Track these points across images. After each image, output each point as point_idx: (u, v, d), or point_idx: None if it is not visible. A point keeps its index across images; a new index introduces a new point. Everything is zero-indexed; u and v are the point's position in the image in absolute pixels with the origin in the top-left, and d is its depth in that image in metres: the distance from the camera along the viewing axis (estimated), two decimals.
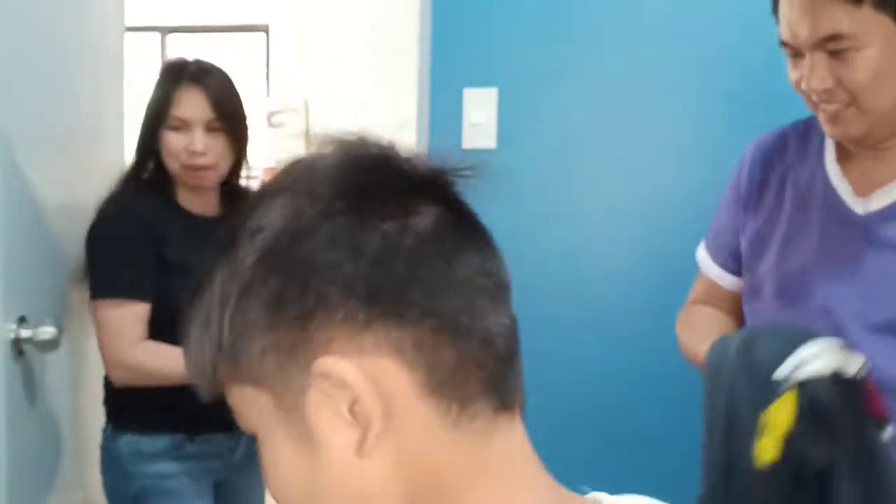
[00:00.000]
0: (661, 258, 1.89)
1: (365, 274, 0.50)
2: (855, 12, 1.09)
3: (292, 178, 0.55)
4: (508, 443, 0.55)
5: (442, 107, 1.92)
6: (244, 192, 1.87)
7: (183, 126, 1.69)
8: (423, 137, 1.97)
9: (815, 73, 1.14)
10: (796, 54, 1.18)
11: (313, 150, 0.56)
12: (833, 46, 1.12)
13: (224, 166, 1.73)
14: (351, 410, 0.51)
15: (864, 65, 1.11)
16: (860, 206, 1.23)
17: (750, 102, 1.87)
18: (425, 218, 0.52)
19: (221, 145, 1.70)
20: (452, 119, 1.92)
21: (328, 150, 0.55)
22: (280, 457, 0.54)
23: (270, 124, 4.86)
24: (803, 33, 1.13)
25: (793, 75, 1.20)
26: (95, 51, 2.04)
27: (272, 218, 0.52)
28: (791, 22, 1.15)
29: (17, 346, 1.57)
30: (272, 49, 4.94)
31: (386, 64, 4.21)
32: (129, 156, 2.24)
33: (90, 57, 2.01)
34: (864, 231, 1.22)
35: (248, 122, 1.79)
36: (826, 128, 1.21)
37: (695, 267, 1.45)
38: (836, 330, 1.18)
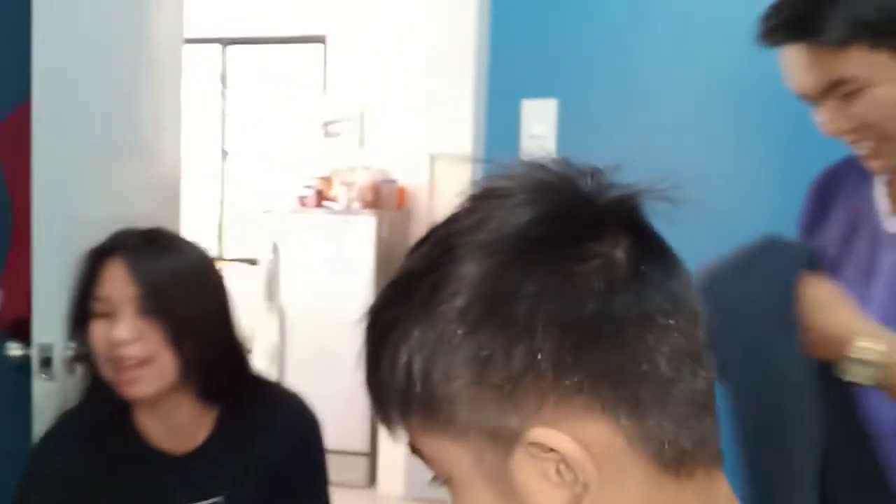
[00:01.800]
0: None
1: (574, 334, 0.51)
2: (852, 56, 1.08)
3: (476, 225, 0.54)
4: (723, 492, 0.57)
5: (499, 118, 1.88)
6: (253, 410, 1.37)
7: (107, 310, 1.27)
8: (479, 149, 1.94)
9: (831, 119, 1.14)
10: (811, 101, 1.16)
11: (488, 184, 0.56)
12: (842, 90, 1.10)
13: (168, 366, 1.26)
14: (559, 473, 0.52)
15: (878, 101, 1.10)
16: (892, 225, 1.22)
17: None
18: (618, 259, 0.53)
19: (159, 335, 1.25)
20: (510, 131, 1.87)
21: (504, 185, 0.55)
22: None
23: (327, 134, 4.88)
24: (808, 85, 1.13)
25: (817, 120, 1.18)
26: (155, 63, 2.05)
27: (468, 272, 0.52)
28: (794, 76, 1.15)
29: (76, 361, 1.58)
30: (329, 59, 4.96)
31: (443, 74, 4.20)
32: (185, 170, 2.25)
33: (149, 69, 2.01)
34: (889, 249, 1.20)
35: (220, 311, 1.33)
36: (865, 164, 1.19)
37: None
38: None
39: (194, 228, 4.83)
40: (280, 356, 4.32)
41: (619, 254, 0.53)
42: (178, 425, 1.33)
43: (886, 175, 1.21)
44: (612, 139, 1.85)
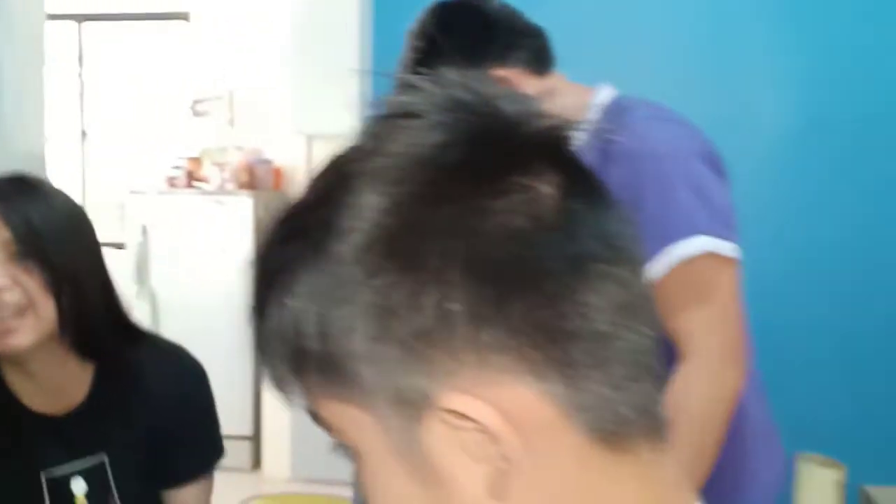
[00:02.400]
0: None
1: (494, 282, 0.42)
2: None
3: (377, 149, 0.46)
4: (668, 474, 0.49)
5: (383, 90, 1.87)
6: (132, 366, 1.30)
7: None
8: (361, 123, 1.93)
9: None
10: None
11: (392, 102, 0.47)
12: None
13: (46, 314, 1.19)
14: (479, 445, 0.44)
15: None
16: None
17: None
18: (546, 195, 0.44)
19: (36, 281, 1.18)
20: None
21: (412, 103, 0.46)
22: (389, 486, 0.47)
23: (195, 113, 4.74)
24: None
25: None
26: (16, 39, 1.94)
27: (367, 204, 0.44)
28: None
29: None
30: (194, 37, 4.80)
31: (317, 49, 4.13)
32: (48, 148, 2.14)
33: (11, 45, 1.91)
34: None
35: (95, 250, 1.28)
36: None
37: None
38: None
39: None
40: None
41: (547, 189, 0.45)
42: (53, 384, 1.26)
43: None
44: None
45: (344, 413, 0.46)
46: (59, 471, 1.27)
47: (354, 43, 1.92)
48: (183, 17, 4.80)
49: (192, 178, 4.47)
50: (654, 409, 0.47)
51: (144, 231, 4.29)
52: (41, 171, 2.07)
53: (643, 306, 0.47)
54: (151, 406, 1.30)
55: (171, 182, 4.46)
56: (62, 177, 4.86)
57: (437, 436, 0.44)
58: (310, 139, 4.48)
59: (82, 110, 5.08)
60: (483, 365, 0.43)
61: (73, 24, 4.96)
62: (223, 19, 4.70)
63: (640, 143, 1.20)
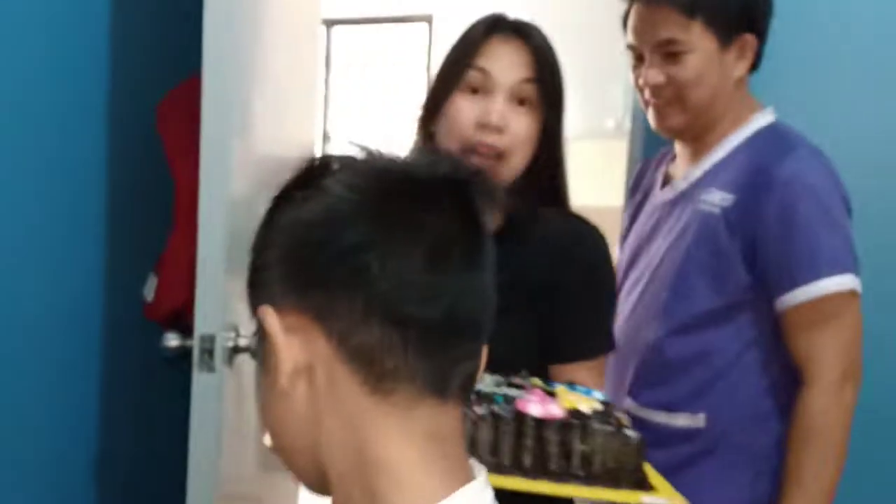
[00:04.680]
0: None
1: (298, 255, 0.64)
2: (688, 24, 1.38)
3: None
4: (429, 426, 0.62)
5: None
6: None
7: (483, 86, 1.28)
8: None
9: (651, 70, 1.42)
10: (639, 58, 1.45)
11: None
12: (669, 49, 1.40)
13: (516, 167, 1.25)
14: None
15: (689, 65, 1.39)
16: (659, 196, 1.53)
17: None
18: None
19: (525, 130, 1.25)
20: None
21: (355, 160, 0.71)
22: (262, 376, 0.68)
23: None
24: (647, 37, 1.42)
25: (634, 76, 1.47)
26: (296, 43, 1.99)
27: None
28: (637, 28, 1.43)
29: (235, 353, 1.51)
30: (435, 39, 4.86)
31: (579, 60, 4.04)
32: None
33: (296, 55, 1.95)
34: (663, 215, 1.51)
35: None
36: (652, 122, 1.48)
37: None
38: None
39: None
40: None
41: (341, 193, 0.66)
42: None
43: (670, 134, 1.50)
44: None
45: None
46: None
47: (614, 44, 1.79)
48: (426, 19, 4.87)
49: None
50: (428, 377, 0.62)
51: None
52: None
53: (416, 283, 0.61)
54: (544, 263, 1.23)
55: None
56: None
57: (267, 339, 0.65)
58: None
59: (326, 113, 5.27)
60: (284, 297, 0.64)
61: (322, 28, 5.16)
62: (466, 21, 4.71)
63: (801, 176, 1.33)
